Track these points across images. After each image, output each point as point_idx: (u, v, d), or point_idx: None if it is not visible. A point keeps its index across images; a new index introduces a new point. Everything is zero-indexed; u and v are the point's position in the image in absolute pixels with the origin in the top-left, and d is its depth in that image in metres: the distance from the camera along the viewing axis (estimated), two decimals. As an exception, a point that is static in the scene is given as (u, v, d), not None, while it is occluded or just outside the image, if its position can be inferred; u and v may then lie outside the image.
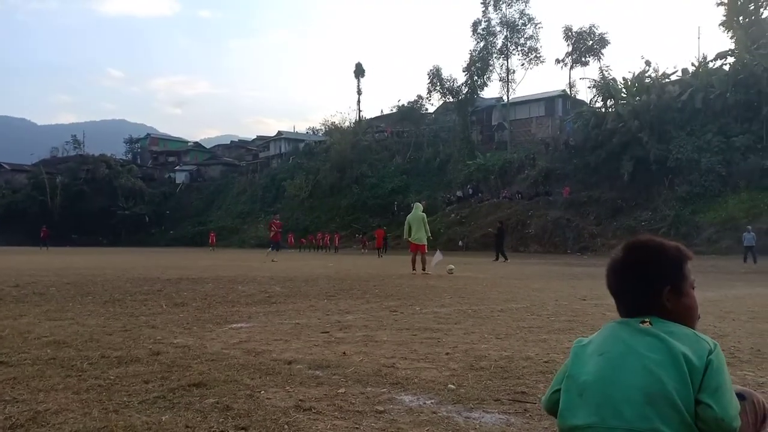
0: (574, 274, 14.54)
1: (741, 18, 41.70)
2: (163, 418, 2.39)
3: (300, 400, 2.67)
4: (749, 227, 23.90)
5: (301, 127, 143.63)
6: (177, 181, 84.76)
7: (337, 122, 70.08)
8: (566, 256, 31.55)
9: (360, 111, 72.64)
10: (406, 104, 62.08)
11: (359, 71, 72.00)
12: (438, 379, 3.11)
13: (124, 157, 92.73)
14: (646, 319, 1.46)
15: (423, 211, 14.39)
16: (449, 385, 2.94)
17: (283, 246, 25.49)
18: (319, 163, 65.05)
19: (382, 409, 2.55)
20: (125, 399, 2.67)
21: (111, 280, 10.25)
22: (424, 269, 13.72)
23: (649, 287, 1.49)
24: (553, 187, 42.45)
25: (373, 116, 73.65)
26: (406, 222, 14.50)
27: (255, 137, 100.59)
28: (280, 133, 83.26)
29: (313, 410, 2.52)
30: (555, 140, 48.50)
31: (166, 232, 73.25)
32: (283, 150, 77.87)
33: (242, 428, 2.29)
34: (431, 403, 2.65)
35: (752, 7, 41.68)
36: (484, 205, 45.09)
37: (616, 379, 1.36)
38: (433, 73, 54.73)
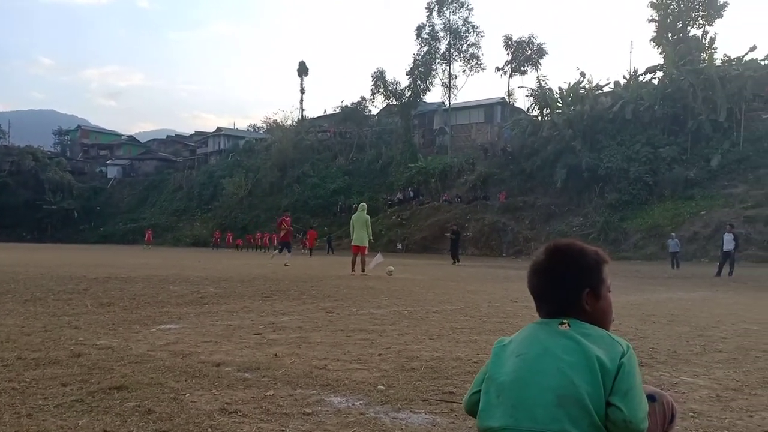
0: (508, 277, 14.93)
1: (670, 35, 44.12)
2: (80, 422, 2.29)
3: (226, 403, 2.61)
4: (674, 234, 25.22)
5: (242, 124, 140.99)
6: (109, 176, 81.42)
7: (279, 120, 69.33)
8: (501, 259, 32.38)
9: (303, 110, 72.11)
10: (349, 105, 62.03)
11: (303, 70, 71.44)
12: (369, 380, 3.12)
13: (52, 149, 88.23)
14: (565, 321, 1.48)
15: (367, 213, 14.47)
16: (379, 386, 2.96)
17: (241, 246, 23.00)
18: (260, 161, 64.04)
19: (310, 411, 2.53)
20: (40, 403, 2.54)
21: (33, 278, 9.73)
22: (363, 270, 13.75)
23: (570, 290, 1.52)
24: (490, 191, 43.46)
25: (316, 116, 73.20)
26: (350, 223, 14.60)
27: (193, 132, 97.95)
28: (219, 129, 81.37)
29: (239, 413, 2.47)
30: (493, 146, 49.73)
31: (96, 228, 70.14)
32: (222, 146, 76.17)
33: (163, 432, 2.22)
34: (360, 404, 2.66)
35: (680, 25, 44.16)
36: (425, 207, 45.62)
37: (532, 380, 1.39)
38: (377, 76, 54.97)
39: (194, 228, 62.09)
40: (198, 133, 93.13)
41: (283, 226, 19.60)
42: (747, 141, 34.97)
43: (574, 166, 37.65)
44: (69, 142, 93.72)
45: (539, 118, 45.57)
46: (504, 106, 56.24)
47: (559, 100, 43.41)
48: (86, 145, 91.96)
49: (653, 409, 1.46)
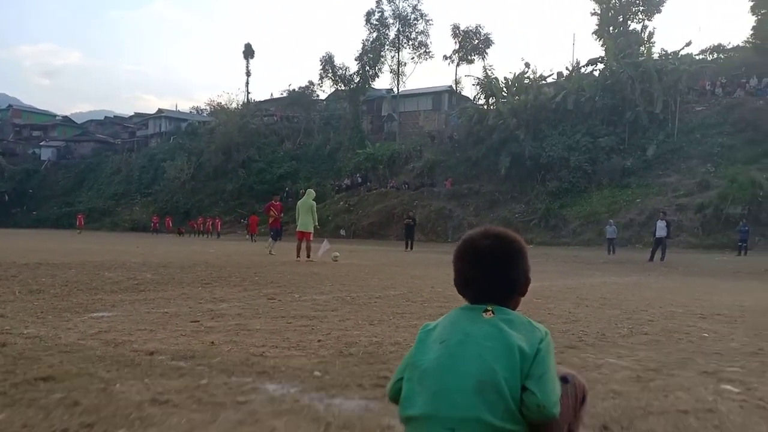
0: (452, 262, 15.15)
1: (611, 28, 45.56)
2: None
3: (157, 393, 2.56)
4: (611, 221, 26.26)
5: (185, 106, 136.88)
6: (42, 158, 77.69)
7: (223, 103, 67.64)
8: (447, 245, 32.87)
9: (248, 93, 70.67)
10: (297, 89, 61.20)
11: (249, 52, 69.91)
12: (306, 366, 3.12)
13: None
14: (489, 308, 1.50)
15: (314, 199, 14.30)
16: (315, 372, 2.96)
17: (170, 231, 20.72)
18: (203, 144, 62.49)
19: (244, 399, 2.51)
20: (-43, 397, 2.42)
21: (-45, 265, 9.19)
22: (309, 257, 13.67)
23: (503, 275, 1.55)
24: (437, 178, 43.97)
25: (262, 99, 71.92)
26: (296, 208, 14.43)
27: (133, 114, 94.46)
28: (160, 110, 78.82)
29: (170, 403, 2.42)
30: (440, 133, 50.29)
31: (28, 212, 66.97)
32: (163, 129, 73.86)
33: (88, 425, 2.15)
34: (295, 391, 2.65)
35: (621, 19, 45.65)
36: (372, 194, 45.73)
37: (453, 367, 1.40)
38: (325, 60, 54.42)
39: (133, 212, 60.17)
40: (138, 115, 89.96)
41: (271, 212, 18.76)
42: (681, 132, 36.65)
43: (517, 155, 38.53)
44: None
45: (485, 106, 46.32)
46: (451, 94, 56.82)
47: (504, 89, 44.23)
48: (18, 125, 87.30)
49: (566, 391, 1.50)
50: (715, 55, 47.59)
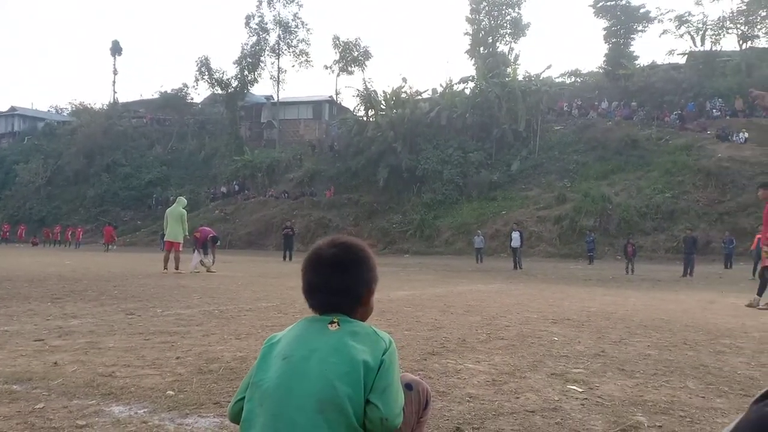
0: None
1: (481, 49, 48.32)
2: None
3: (-19, 422, 2.29)
4: (479, 231, 27.76)
5: (42, 104, 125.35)
6: None
7: (86, 102, 62.77)
8: (326, 255, 32.82)
9: (115, 93, 66.31)
10: (169, 91, 58.25)
11: (116, 49, 65.55)
12: (159, 386, 2.95)
13: None
14: (335, 319, 1.48)
15: (185, 207, 13.63)
16: (168, 392, 2.81)
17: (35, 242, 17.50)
18: (62, 146, 57.43)
19: (84, 423, 2.32)
20: None
21: None
22: (177, 268, 13.02)
23: (352, 286, 1.52)
24: (317, 188, 43.90)
25: (131, 100, 67.62)
26: (164, 217, 13.69)
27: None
28: (13, 108, 71.20)
29: (-5, 433, 2.18)
30: (321, 143, 50.34)
31: None
32: (16, 128, 66.84)
33: None
34: (144, 412, 2.50)
35: (490, 40, 48.59)
36: (251, 202, 44.61)
37: (295, 386, 1.37)
38: (201, 62, 52.40)
39: (-22, 219, 53.77)
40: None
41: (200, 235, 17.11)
42: (541, 149, 39.66)
43: (395, 167, 39.56)
44: None
45: (365, 118, 47.10)
46: (332, 104, 57.12)
47: (383, 102, 45.27)
48: None
49: (410, 398, 1.53)
50: (573, 79, 52.33)
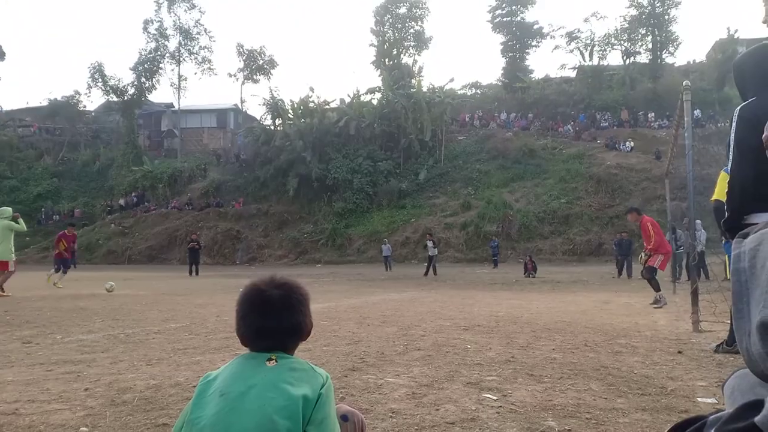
0: (240, 286, 14.76)
1: (386, 60, 49.19)
2: None
3: None
4: (386, 240, 28.18)
5: None
6: None
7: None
8: (235, 268, 32.03)
9: (-3, 99, 60.88)
10: (59, 98, 54.51)
11: (-3, 52, 60.42)
12: (70, 422, 2.80)
13: None
14: (273, 356, 1.49)
15: (12, 219, 11.95)
16: (81, 428, 2.67)
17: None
18: (-66, 158, 52.12)
19: (-11, 472, 2.16)
20: None
21: None
22: (2, 290, 11.49)
23: (302, 324, 1.56)
24: (225, 198, 42.71)
25: (15, 108, 62.54)
26: None
27: None
28: None
29: None
30: (227, 152, 49.04)
31: None
32: None
33: None
34: (56, 454, 2.37)
35: (395, 52, 49.62)
36: (152, 215, 42.58)
37: (233, 422, 1.37)
38: (94, 68, 49.51)
39: None
40: None
41: (61, 244, 15.65)
42: (446, 159, 40.94)
43: (305, 176, 39.32)
44: None
45: (272, 127, 46.48)
46: (237, 112, 55.87)
47: (291, 111, 44.91)
48: None
49: (345, 429, 1.58)
50: (474, 91, 54.56)
